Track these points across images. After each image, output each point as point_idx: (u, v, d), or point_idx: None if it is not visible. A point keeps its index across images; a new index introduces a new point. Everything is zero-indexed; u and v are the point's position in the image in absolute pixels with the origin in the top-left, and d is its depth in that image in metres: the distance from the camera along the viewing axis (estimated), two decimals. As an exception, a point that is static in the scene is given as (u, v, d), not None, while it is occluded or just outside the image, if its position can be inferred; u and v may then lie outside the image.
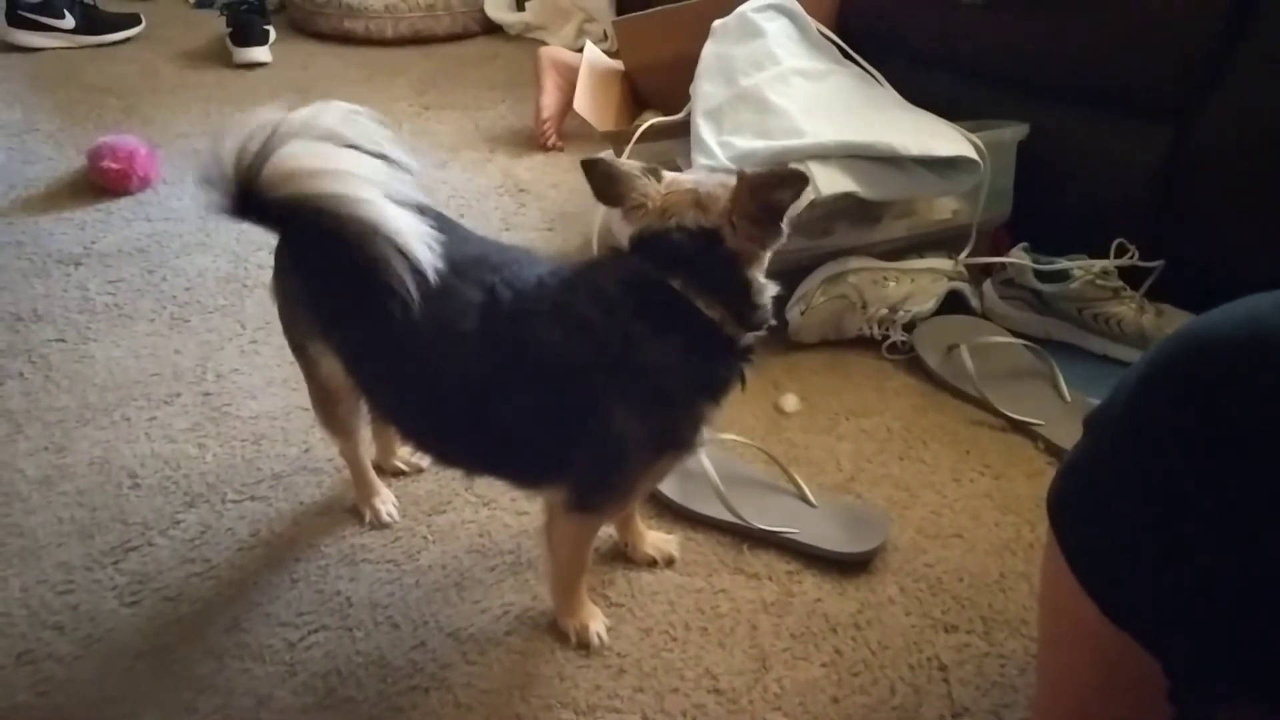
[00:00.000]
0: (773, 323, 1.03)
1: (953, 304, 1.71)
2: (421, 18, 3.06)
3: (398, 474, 1.40)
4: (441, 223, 1.04)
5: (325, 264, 1.03)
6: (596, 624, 1.15)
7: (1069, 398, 1.54)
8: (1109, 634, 0.65)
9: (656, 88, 2.11)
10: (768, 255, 1.00)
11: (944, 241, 1.75)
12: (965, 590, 1.23)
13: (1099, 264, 1.63)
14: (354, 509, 1.33)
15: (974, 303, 1.73)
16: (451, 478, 1.39)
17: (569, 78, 2.44)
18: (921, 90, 1.76)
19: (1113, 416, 0.65)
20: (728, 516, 1.29)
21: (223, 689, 1.09)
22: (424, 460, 1.40)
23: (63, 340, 1.66)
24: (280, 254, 1.13)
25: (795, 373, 1.63)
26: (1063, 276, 1.65)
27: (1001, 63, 1.83)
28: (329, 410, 1.22)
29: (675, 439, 1.01)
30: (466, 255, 1.02)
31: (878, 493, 1.39)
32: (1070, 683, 0.77)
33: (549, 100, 2.39)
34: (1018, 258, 1.70)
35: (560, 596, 1.16)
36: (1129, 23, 1.64)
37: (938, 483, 1.41)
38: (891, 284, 1.66)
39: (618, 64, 2.20)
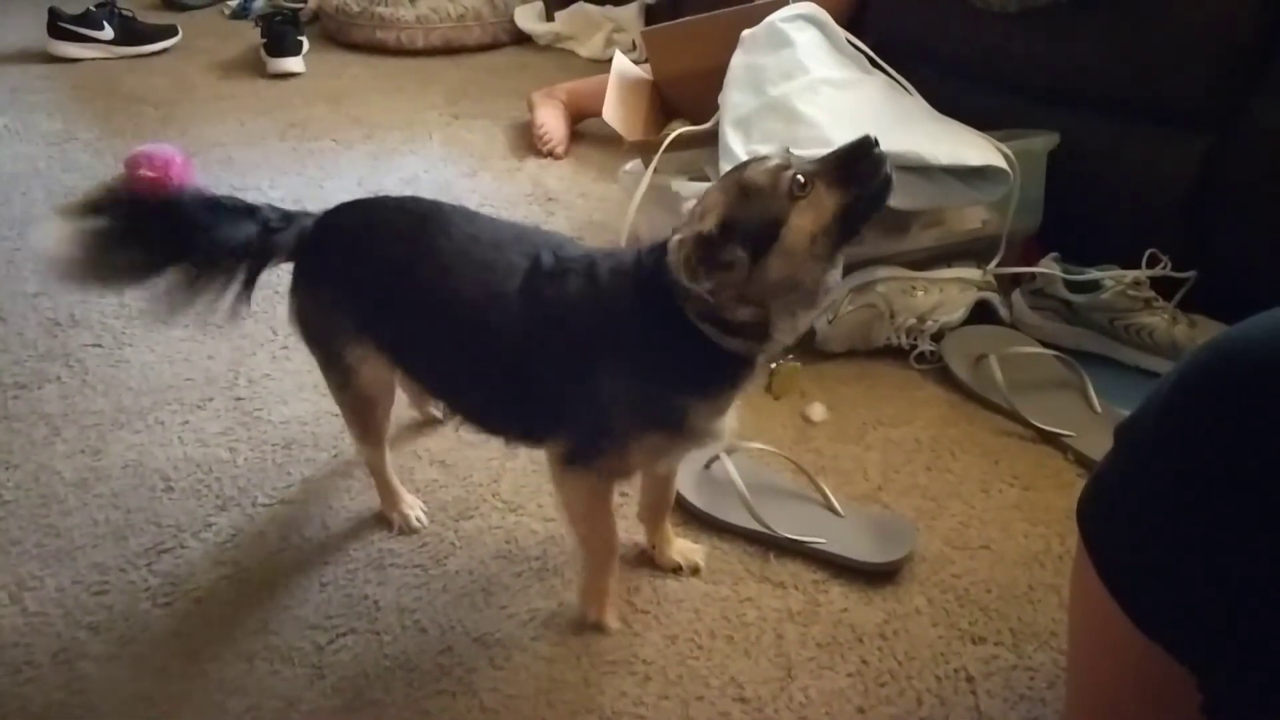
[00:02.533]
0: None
1: (981, 314, 1.70)
2: (452, 28, 3.09)
3: (432, 420, 1.49)
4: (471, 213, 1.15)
5: (358, 263, 1.12)
6: (612, 613, 1.18)
7: (1099, 409, 1.52)
8: (1141, 646, 0.64)
9: (685, 97, 2.12)
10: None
11: (973, 251, 1.74)
12: (993, 602, 1.22)
13: (1131, 274, 1.61)
14: (382, 516, 1.34)
15: (1003, 313, 1.72)
16: (479, 484, 1.40)
17: (576, 102, 2.47)
18: (951, 100, 1.76)
19: (1144, 427, 0.65)
20: (754, 525, 1.29)
21: (253, 691, 1.10)
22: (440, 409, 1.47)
23: (99, 345, 1.69)
24: (304, 274, 1.18)
25: (823, 382, 1.63)
26: (1094, 287, 1.64)
27: (1032, 72, 1.83)
28: (364, 418, 1.25)
29: (658, 419, 1.04)
30: (507, 232, 1.12)
31: (905, 503, 1.39)
32: (1101, 696, 0.76)
33: (551, 125, 2.43)
34: (1048, 268, 1.69)
35: (589, 572, 1.18)
36: (1163, 32, 1.63)
37: (966, 493, 1.40)
38: (920, 293, 1.66)
39: (646, 74, 2.21)
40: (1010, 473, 1.44)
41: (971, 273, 1.71)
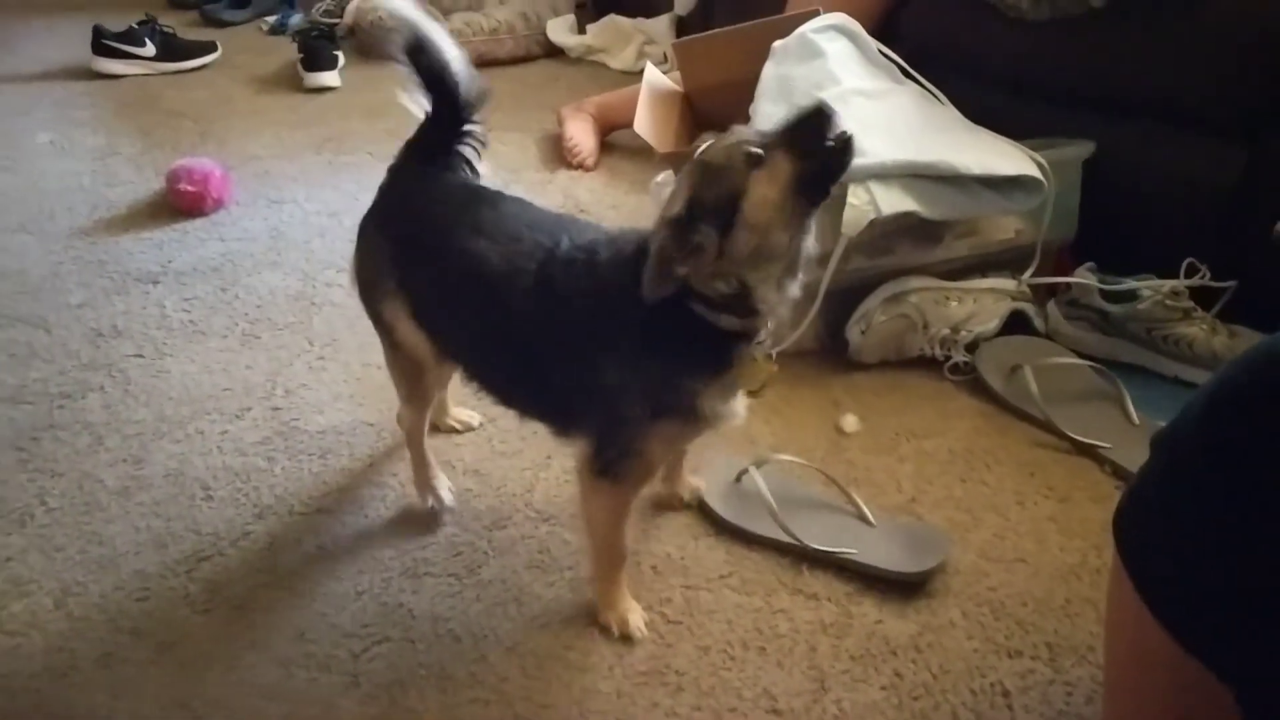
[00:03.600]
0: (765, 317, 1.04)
1: (1016, 324, 1.69)
2: (485, 41, 3.12)
3: (450, 431, 1.51)
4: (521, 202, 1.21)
5: (409, 221, 1.16)
6: (636, 617, 1.19)
7: (1137, 420, 1.50)
8: (1178, 659, 0.64)
9: (716, 108, 2.13)
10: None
11: (1007, 261, 1.73)
12: (1029, 615, 1.21)
13: (1168, 284, 1.59)
14: (414, 505, 1.38)
15: (1038, 323, 1.70)
16: (512, 494, 1.41)
17: (605, 115, 2.49)
18: (985, 109, 1.75)
19: (1180, 437, 0.65)
20: (783, 536, 1.29)
21: (289, 697, 1.12)
22: (474, 418, 1.52)
23: (141, 356, 1.72)
24: (367, 223, 1.23)
25: (855, 393, 1.62)
26: (1131, 297, 1.62)
27: (1067, 81, 1.81)
28: (409, 379, 1.30)
29: (669, 405, 1.05)
30: (546, 217, 1.17)
31: (939, 515, 1.38)
32: (1138, 710, 0.76)
33: (580, 138, 2.44)
34: (1083, 278, 1.67)
35: (601, 585, 1.20)
36: (1202, 40, 1.61)
37: (1001, 505, 1.39)
38: (953, 304, 1.65)
39: (677, 85, 2.23)
40: (1046, 485, 1.43)
41: (1006, 283, 1.70)
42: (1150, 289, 1.61)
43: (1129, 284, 1.63)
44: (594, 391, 1.07)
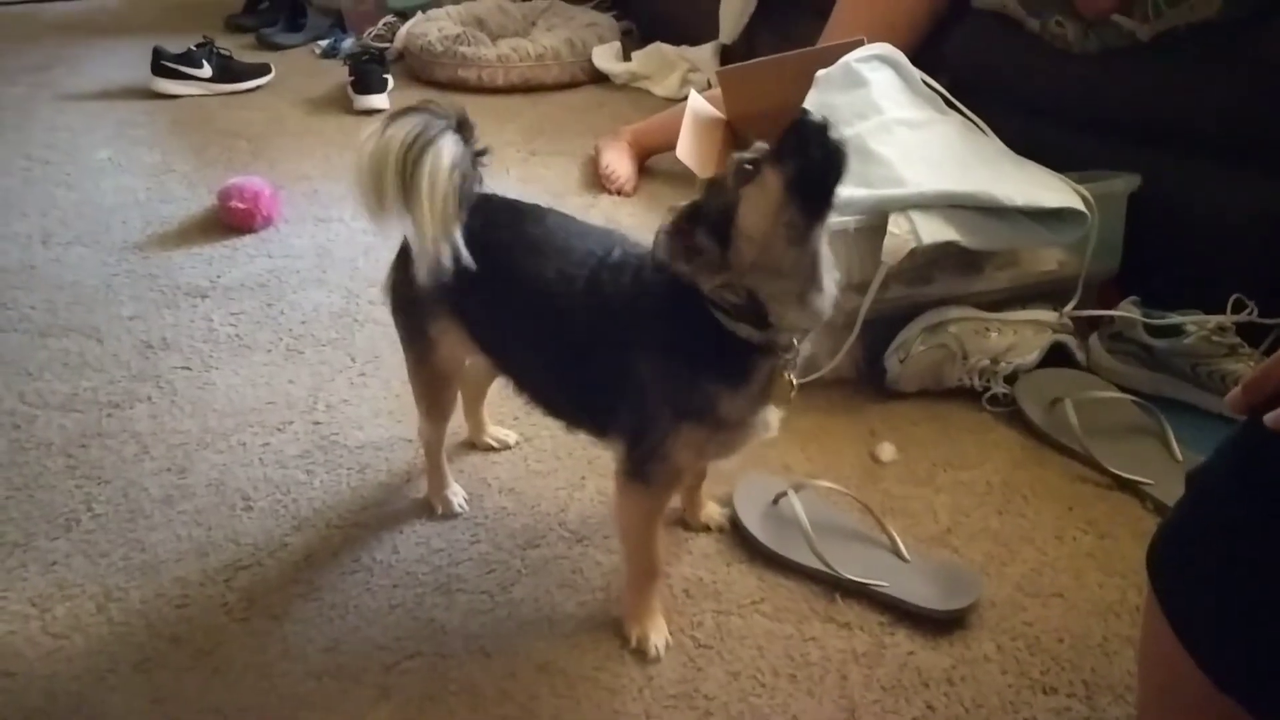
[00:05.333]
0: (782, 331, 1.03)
1: (1057, 357, 1.67)
2: (531, 67, 3.16)
3: (487, 449, 1.54)
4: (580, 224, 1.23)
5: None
6: (658, 637, 1.19)
7: (1180, 457, 1.48)
8: (1215, 701, 0.63)
9: (759, 136, 2.13)
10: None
11: (1049, 293, 1.71)
12: (1066, 651, 1.19)
13: (1214, 319, 1.57)
14: (429, 504, 1.42)
15: (1079, 356, 1.68)
16: (546, 513, 1.42)
17: (641, 140, 2.52)
18: (1029, 141, 1.74)
19: (1218, 474, 0.64)
20: (817, 564, 1.28)
21: (321, 707, 1.13)
22: (510, 437, 1.55)
23: (188, 368, 1.76)
24: (409, 249, 1.22)
25: (892, 422, 1.62)
26: (1175, 332, 1.60)
27: (1113, 112, 1.80)
28: (434, 393, 1.33)
29: (689, 408, 1.06)
30: (595, 230, 1.21)
31: (975, 547, 1.36)
32: (1175, 750, 0.74)
33: (617, 165, 2.47)
34: (1127, 311, 1.66)
35: (631, 594, 1.21)
36: (1249, 73, 1.60)
37: (1038, 539, 1.38)
38: (993, 334, 1.64)
39: (720, 112, 2.24)
40: (1085, 520, 1.41)
41: (1047, 315, 1.68)
42: (1196, 324, 1.58)
43: (1174, 319, 1.61)
44: (627, 391, 1.10)
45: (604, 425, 1.18)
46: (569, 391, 1.21)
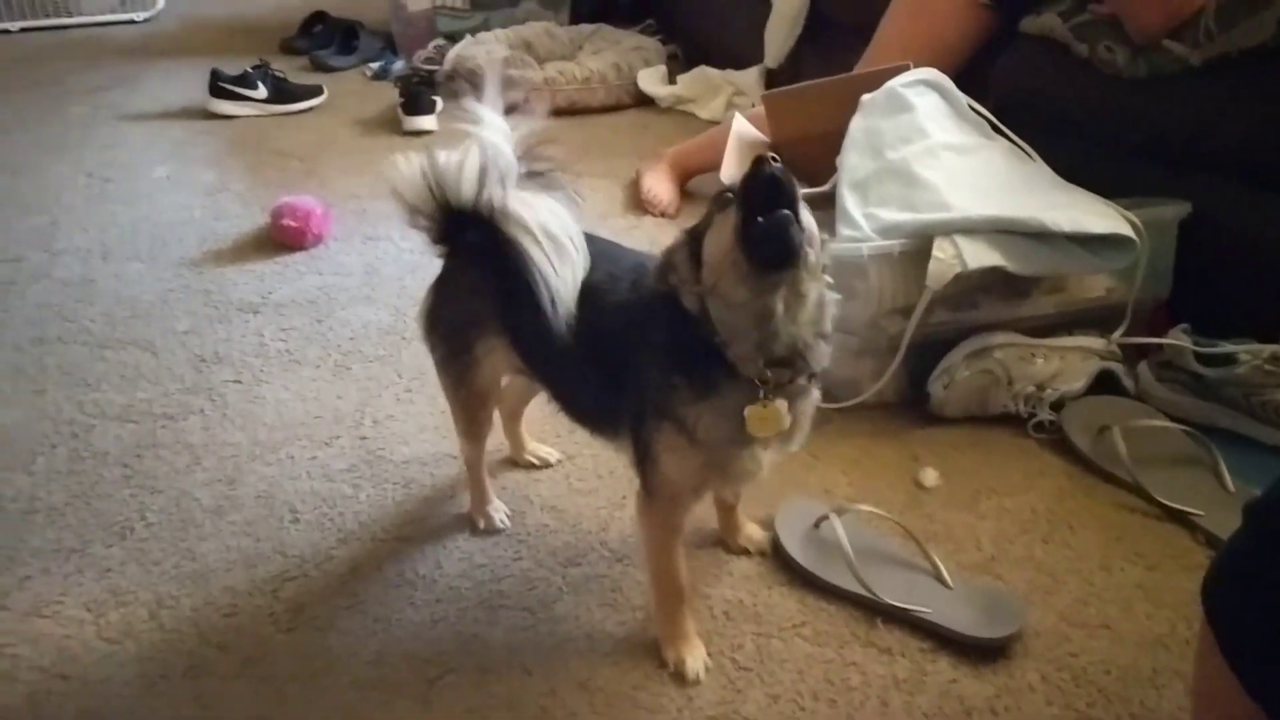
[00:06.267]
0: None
1: (1105, 384, 1.65)
2: (578, 90, 3.20)
3: (529, 467, 1.56)
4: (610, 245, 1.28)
5: (513, 270, 1.17)
6: (695, 660, 1.20)
7: (1232, 488, 1.45)
8: (1270, 734, 0.62)
9: (803, 160, 2.13)
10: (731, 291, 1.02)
11: (1097, 319, 1.69)
12: (1113, 684, 1.18)
13: (1268, 349, 1.54)
14: (471, 520, 1.44)
15: (1128, 384, 1.66)
16: (588, 531, 1.43)
17: (681, 162, 2.53)
18: (1077, 167, 1.73)
19: (1274, 505, 0.63)
20: (858, 589, 1.28)
21: (364, 718, 1.14)
22: (551, 455, 1.57)
23: (239, 381, 1.79)
24: (461, 263, 1.29)
25: (936, 447, 1.61)
26: (1227, 360, 1.58)
27: (1163, 138, 1.79)
28: (472, 412, 1.36)
29: (664, 406, 1.08)
30: (631, 252, 1.26)
31: (1019, 575, 1.35)
32: (1226, 786, 0.73)
33: (658, 189, 2.49)
34: (1177, 339, 1.63)
35: (661, 619, 1.23)
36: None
37: (1085, 569, 1.36)
38: (1039, 361, 1.62)
39: (763, 134, 2.25)
40: (1133, 550, 1.39)
41: (1095, 341, 1.66)
42: (1248, 353, 1.56)
43: (1225, 347, 1.59)
44: (630, 390, 1.14)
45: (615, 426, 1.21)
46: (591, 392, 1.24)
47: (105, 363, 1.84)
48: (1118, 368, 1.66)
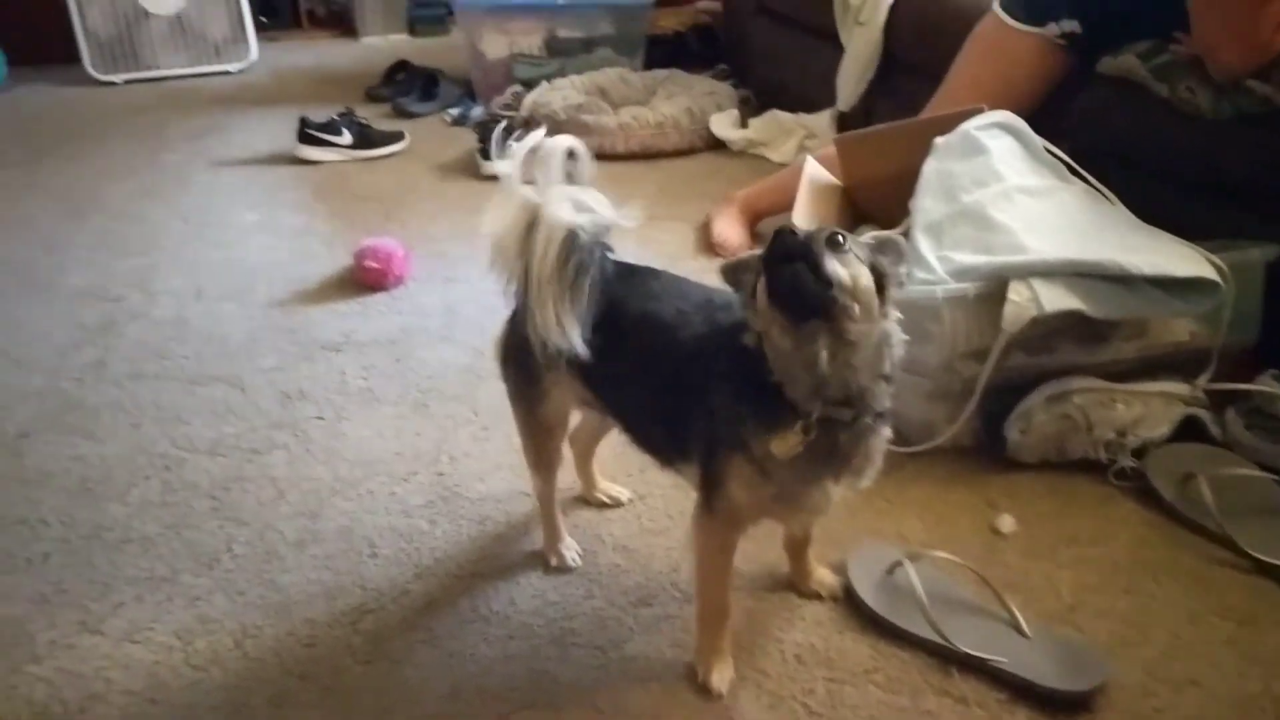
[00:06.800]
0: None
1: (1189, 431, 1.61)
2: (651, 135, 3.25)
3: (600, 506, 1.58)
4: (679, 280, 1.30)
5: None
6: (721, 676, 1.23)
7: (1328, 541, 1.40)
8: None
9: (875, 203, 2.15)
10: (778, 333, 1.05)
11: (1180, 364, 1.66)
12: (1201, 742, 1.14)
13: (1364, 397, 1.49)
14: (543, 557, 1.46)
15: (1214, 431, 1.62)
16: (658, 571, 1.43)
17: (751, 205, 2.55)
18: (1157, 209, 1.70)
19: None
20: (932, 636, 1.26)
21: (438, 753, 1.16)
22: (623, 494, 1.59)
23: (322, 418, 1.85)
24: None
25: (1013, 493, 1.58)
26: (1320, 408, 1.53)
27: (1250, 180, 1.75)
28: (540, 445, 1.40)
29: (733, 436, 1.11)
30: (702, 295, 1.25)
31: (1100, 626, 1.32)
32: None
33: (727, 233, 2.51)
34: (1266, 385, 1.59)
35: (701, 631, 1.26)
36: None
37: (1170, 622, 1.32)
38: (1120, 406, 1.59)
39: (836, 179, 2.26)
40: (1221, 604, 1.34)
41: (1178, 387, 1.63)
42: (1343, 401, 1.51)
43: (1318, 394, 1.54)
44: (702, 419, 1.16)
45: (685, 456, 1.23)
46: (660, 423, 1.26)
47: (196, 398, 1.92)
48: (1203, 414, 1.61)
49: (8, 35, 4.21)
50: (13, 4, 4.35)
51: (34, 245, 2.65)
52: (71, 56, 4.19)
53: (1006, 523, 1.51)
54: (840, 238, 1.02)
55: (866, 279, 1.03)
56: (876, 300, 1.04)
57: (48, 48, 4.31)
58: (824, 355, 1.03)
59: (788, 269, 1.00)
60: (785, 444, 1.07)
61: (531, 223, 1.20)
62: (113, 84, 4.26)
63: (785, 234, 1.01)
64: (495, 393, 1.87)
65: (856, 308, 1.01)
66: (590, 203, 1.22)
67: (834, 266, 1.00)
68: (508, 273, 1.26)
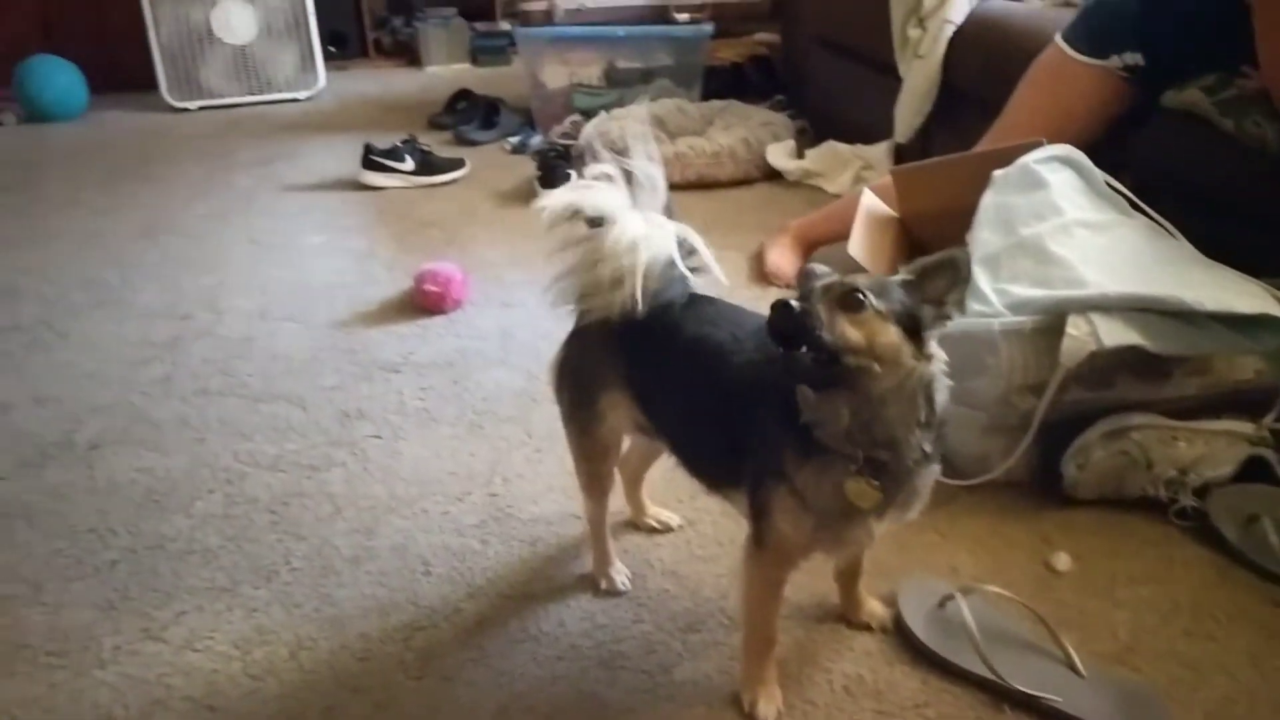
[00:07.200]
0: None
1: (1255, 471, 1.57)
2: (707, 164, 3.28)
3: (650, 531, 1.58)
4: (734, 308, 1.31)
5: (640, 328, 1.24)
6: (768, 705, 1.22)
7: (1400, 588, 1.36)
8: None
9: (932, 235, 2.14)
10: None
11: (1245, 403, 1.62)
12: (1263, 791, 1.11)
13: None
14: (593, 580, 1.47)
15: (1280, 472, 1.58)
16: (708, 598, 1.44)
17: (805, 234, 2.56)
18: (1222, 244, 1.68)
19: None
20: (984, 671, 1.25)
21: (486, 770, 1.18)
22: (673, 519, 1.59)
23: (379, 437, 1.89)
24: (584, 329, 1.34)
25: (1068, 530, 1.56)
26: (1392, 451, 1.48)
27: (1318, 217, 1.72)
28: (594, 469, 1.40)
29: (778, 466, 1.11)
30: (757, 323, 1.22)
31: (1159, 668, 1.29)
32: None
33: (780, 263, 2.52)
34: (1335, 427, 1.55)
35: (747, 661, 1.26)
36: None
37: (1232, 666, 1.29)
38: (1182, 444, 1.56)
39: (892, 210, 2.26)
40: (1287, 649, 1.31)
41: (1243, 426, 1.59)
42: None
43: (1390, 437, 1.50)
44: (752, 448, 1.16)
45: (735, 482, 1.23)
46: (712, 448, 1.26)
47: (259, 415, 1.97)
48: (1269, 454, 1.58)
49: (91, 63, 4.39)
50: (96, 34, 4.56)
51: (109, 264, 2.75)
52: (149, 84, 4.37)
53: (1062, 560, 1.48)
54: (859, 296, 1.00)
55: (889, 335, 1.01)
56: (906, 349, 1.02)
57: (127, 75, 4.50)
58: (844, 414, 1.04)
59: (787, 351, 1.01)
60: (862, 494, 1.07)
61: (630, 249, 1.20)
62: (187, 110, 4.42)
63: (780, 310, 1.00)
64: (549, 416, 1.91)
65: (877, 366, 1.01)
66: (694, 243, 1.26)
67: (842, 332, 1.00)
68: (585, 290, 1.27)
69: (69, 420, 1.97)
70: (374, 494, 1.71)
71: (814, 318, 1.00)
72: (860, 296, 1.00)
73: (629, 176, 1.24)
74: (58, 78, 4.29)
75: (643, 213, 1.23)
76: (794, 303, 1.00)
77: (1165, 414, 1.59)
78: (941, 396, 1.07)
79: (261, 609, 1.45)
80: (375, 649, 1.37)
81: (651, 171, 1.24)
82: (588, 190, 1.23)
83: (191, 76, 4.41)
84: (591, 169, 1.26)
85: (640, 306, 1.20)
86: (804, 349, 1.00)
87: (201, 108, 4.44)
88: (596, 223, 1.24)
